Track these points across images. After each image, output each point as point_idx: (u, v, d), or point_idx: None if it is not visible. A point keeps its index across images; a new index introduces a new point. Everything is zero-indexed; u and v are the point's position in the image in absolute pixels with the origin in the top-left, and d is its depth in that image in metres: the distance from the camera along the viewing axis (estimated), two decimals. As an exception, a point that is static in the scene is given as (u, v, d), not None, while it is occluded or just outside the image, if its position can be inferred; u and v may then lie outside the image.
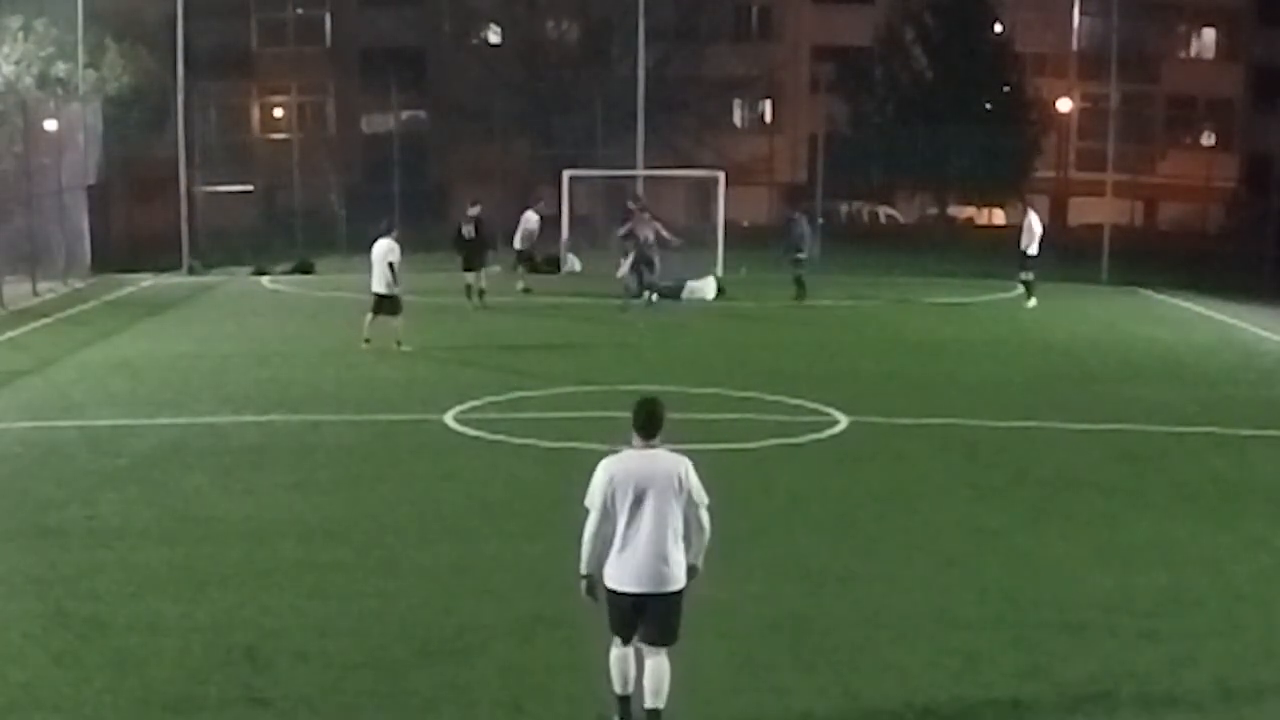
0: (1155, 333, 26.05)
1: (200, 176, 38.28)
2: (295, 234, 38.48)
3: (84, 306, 27.27)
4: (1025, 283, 28.79)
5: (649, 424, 7.91)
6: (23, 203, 28.93)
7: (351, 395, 18.17)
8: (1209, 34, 56.07)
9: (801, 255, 29.27)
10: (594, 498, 7.85)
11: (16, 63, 34.42)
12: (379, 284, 21.53)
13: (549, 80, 47.33)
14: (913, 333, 25.40)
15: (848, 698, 8.71)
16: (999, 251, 33.02)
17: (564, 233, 35.31)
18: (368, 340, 21.45)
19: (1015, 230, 30.13)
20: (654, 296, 27.77)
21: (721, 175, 36.35)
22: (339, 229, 39.22)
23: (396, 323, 21.56)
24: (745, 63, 49.43)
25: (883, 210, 51.70)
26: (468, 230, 27.81)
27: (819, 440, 15.84)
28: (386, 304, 21.51)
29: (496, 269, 32.99)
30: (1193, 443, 16.48)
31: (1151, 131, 51.33)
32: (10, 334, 23.36)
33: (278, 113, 52.54)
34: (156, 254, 34.51)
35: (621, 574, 7.83)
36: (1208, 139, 54.85)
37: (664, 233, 28.30)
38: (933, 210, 48.97)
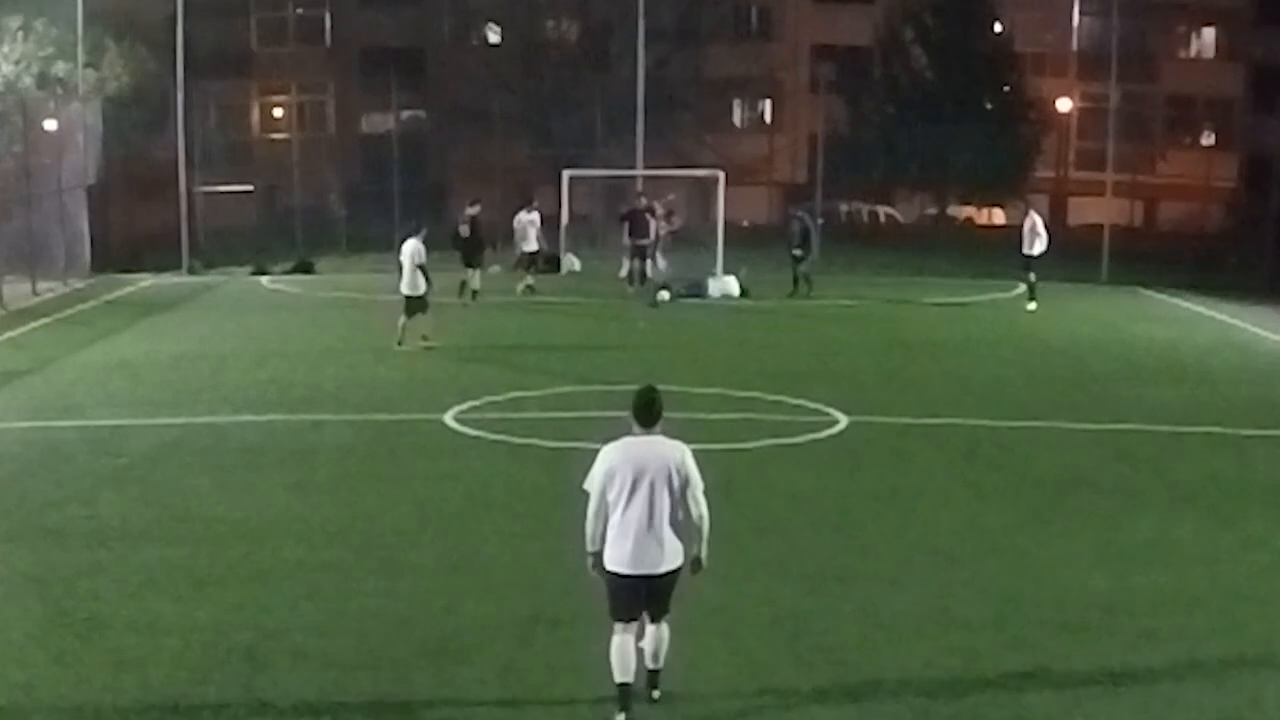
0: (1155, 333, 26.05)
1: (200, 176, 38.26)
2: (295, 234, 38.45)
3: (84, 306, 27.26)
4: (1029, 285, 28.69)
5: (647, 413, 8.23)
6: (22, 203, 28.92)
7: (351, 395, 18.17)
8: (1209, 34, 56.04)
9: (797, 253, 29.42)
10: (593, 482, 8.19)
11: (16, 62, 34.40)
12: (406, 285, 21.58)
13: (549, 80, 47.31)
14: (913, 333, 25.40)
15: (848, 698, 8.71)
16: (999, 251, 33.03)
17: (560, 233, 35.30)
18: (400, 343, 21.46)
19: (1016, 230, 30.09)
20: (667, 295, 28.03)
21: (721, 175, 36.33)
22: (339, 229, 39.22)
23: (423, 320, 21.56)
24: (745, 63, 49.43)
25: (882, 210, 51.68)
26: (464, 229, 28.00)
27: (819, 440, 15.85)
28: (414, 304, 21.54)
29: (496, 269, 33.04)
30: (1193, 443, 16.48)
31: (1151, 131, 51.29)
32: (10, 334, 23.36)
33: (277, 113, 52.54)
34: (156, 254, 34.52)
35: (620, 556, 8.12)
36: (1208, 139, 54.80)
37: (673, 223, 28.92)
38: (932, 210, 48.95)
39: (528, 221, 31.00)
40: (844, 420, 16.71)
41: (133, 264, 33.64)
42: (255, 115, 53.07)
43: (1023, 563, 11.49)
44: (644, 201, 31.09)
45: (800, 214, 30.99)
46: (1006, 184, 44.03)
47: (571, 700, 8.56)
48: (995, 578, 11.04)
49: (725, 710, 8.51)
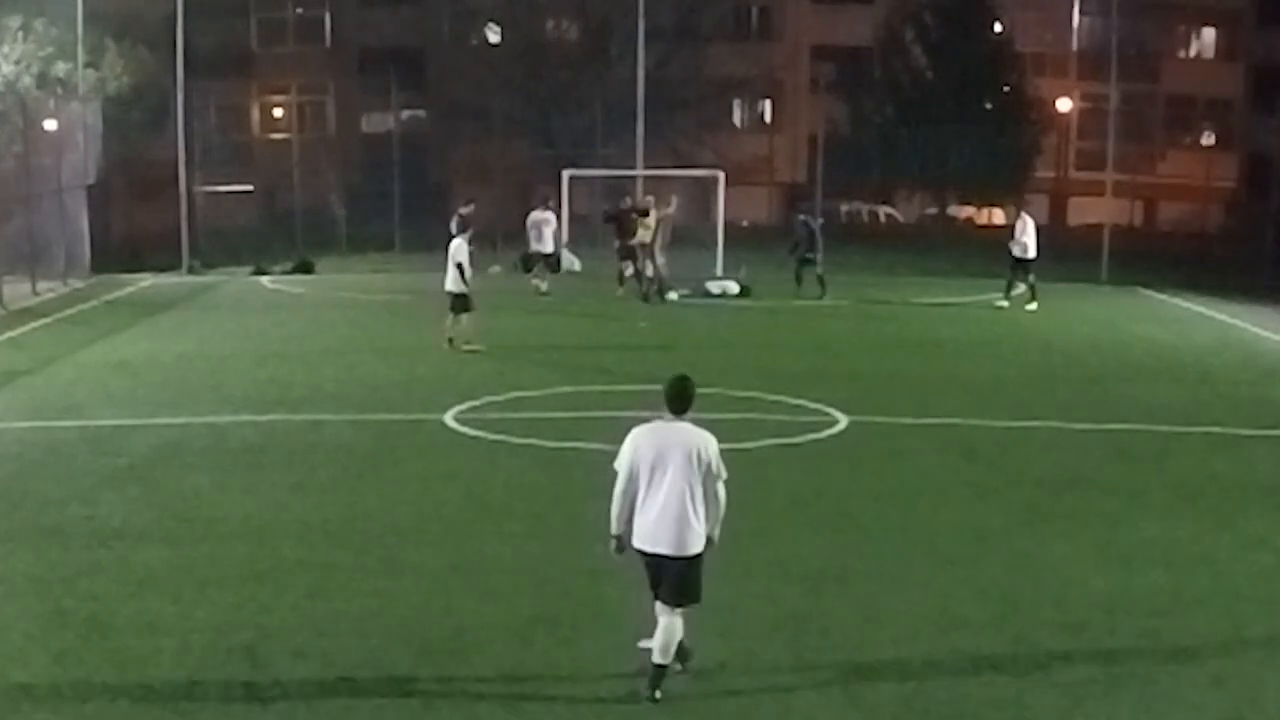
0: (1155, 333, 26.06)
1: (200, 176, 38.27)
2: (295, 234, 38.46)
3: (84, 306, 27.26)
4: (1030, 286, 28.68)
5: (678, 399, 8.52)
6: (22, 202, 28.92)
7: (351, 395, 18.17)
8: (1209, 34, 56.10)
9: (809, 256, 29.54)
10: (621, 461, 8.51)
11: (16, 62, 34.40)
12: (450, 283, 21.64)
13: (549, 80, 47.32)
14: (913, 333, 25.40)
15: (848, 698, 8.71)
16: (999, 251, 33.00)
17: (563, 233, 35.27)
18: (450, 340, 21.51)
19: (1010, 232, 30.11)
20: (675, 295, 28.54)
21: (721, 175, 36.37)
22: (339, 229, 39.22)
23: (466, 321, 21.61)
24: (745, 63, 49.44)
25: (883, 210, 51.70)
26: (454, 228, 28.13)
27: (819, 440, 15.84)
28: (459, 303, 21.58)
29: (497, 269, 33.03)
30: (1193, 443, 16.48)
31: (1151, 131, 51.35)
32: (10, 334, 23.36)
33: (278, 112, 52.57)
34: (156, 254, 34.53)
35: (643, 534, 8.41)
36: (1208, 139, 54.84)
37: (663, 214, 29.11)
38: (932, 210, 48.98)
39: (541, 220, 30.44)
40: (844, 420, 16.70)
41: (133, 264, 33.64)
42: (255, 115, 53.10)
43: (1023, 563, 11.49)
44: (628, 202, 31.09)
45: (806, 217, 31.06)
46: (1006, 184, 44.04)
47: (572, 700, 8.56)
48: (995, 578, 11.03)
49: (725, 710, 8.50)
